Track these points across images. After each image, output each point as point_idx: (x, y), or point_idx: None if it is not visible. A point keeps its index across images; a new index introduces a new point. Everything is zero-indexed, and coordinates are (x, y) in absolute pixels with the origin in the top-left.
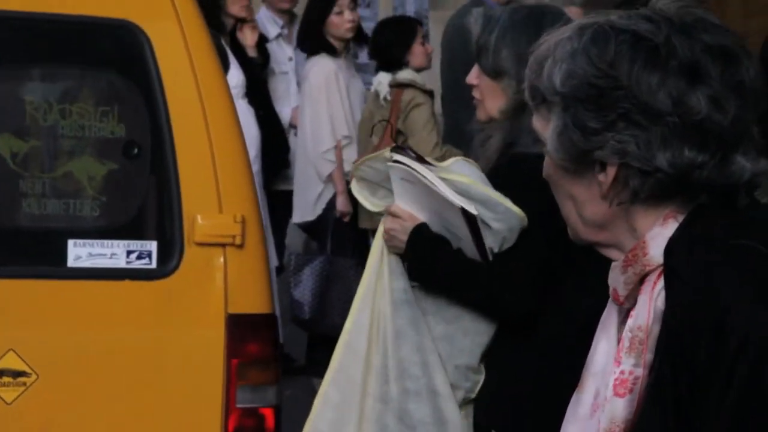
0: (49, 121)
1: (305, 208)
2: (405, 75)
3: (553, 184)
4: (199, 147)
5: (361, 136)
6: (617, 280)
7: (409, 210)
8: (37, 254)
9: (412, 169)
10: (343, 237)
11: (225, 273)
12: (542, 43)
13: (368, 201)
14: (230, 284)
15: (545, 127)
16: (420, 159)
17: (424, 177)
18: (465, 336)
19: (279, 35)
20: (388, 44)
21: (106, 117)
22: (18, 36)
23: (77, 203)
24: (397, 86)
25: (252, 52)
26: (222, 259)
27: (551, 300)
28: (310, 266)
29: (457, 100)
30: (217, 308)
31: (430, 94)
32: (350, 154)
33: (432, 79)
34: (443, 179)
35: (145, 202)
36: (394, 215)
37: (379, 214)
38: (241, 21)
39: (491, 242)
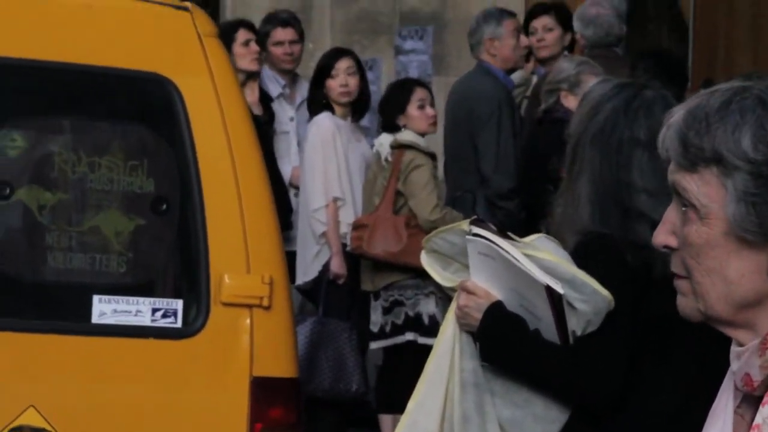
0: (77, 174)
1: (304, 268)
2: (405, 136)
3: (702, 254)
4: (229, 205)
5: (364, 197)
6: (751, 365)
7: (485, 287)
8: (61, 309)
9: (494, 243)
10: (338, 298)
11: (251, 334)
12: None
13: (440, 275)
14: (256, 346)
15: (709, 190)
16: (502, 233)
17: (507, 252)
18: (535, 422)
19: (281, 95)
20: (385, 105)
21: (135, 171)
22: (50, 87)
23: (103, 258)
24: (398, 147)
25: (256, 110)
26: (248, 321)
27: (630, 391)
28: (301, 327)
29: (460, 165)
30: (241, 370)
31: (431, 156)
32: (345, 216)
33: (438, 143)
34: (527, 255)
35: (172, 259)
36: (468, 291)
37: (451, 289)
38: (251, 76)
39: (574, 325)
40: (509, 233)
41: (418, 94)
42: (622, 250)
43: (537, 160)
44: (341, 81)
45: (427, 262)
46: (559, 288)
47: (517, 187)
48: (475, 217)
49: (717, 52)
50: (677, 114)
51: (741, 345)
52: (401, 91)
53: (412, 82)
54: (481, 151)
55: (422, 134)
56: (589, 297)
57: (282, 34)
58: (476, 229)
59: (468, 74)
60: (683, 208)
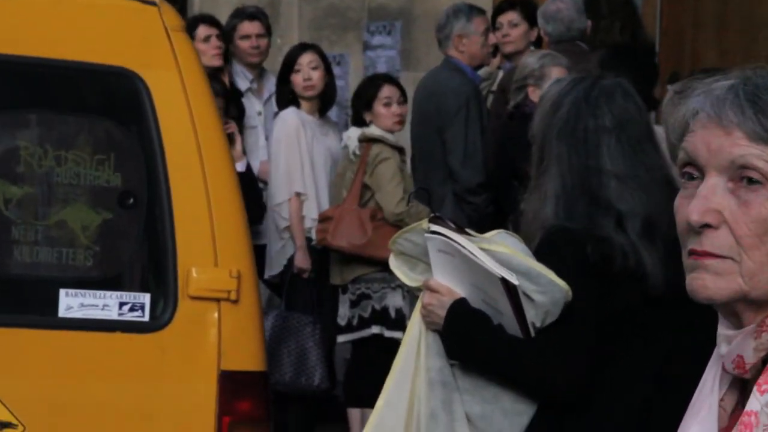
0: (44, 168)
1: (270, 262)
2: (373, 130)
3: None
4: (196, 199)
5: (335, 191)
6: (744, 347)
7: (448, 284)
8: (28, 303)
9: (450, 239)
10: (302, 292)
11: (219, 328)
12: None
13: (407, 276)
14: (224, 340)
15: None
16: (460, 229)
17: (463, 247)
18: (504, 417)
19: (249, 89)
20: (355, 100)
21: (102, 165)
22: (15, 81)
23: (70, 252)
24: (366, 141)
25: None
26: (216, 314)
27: (600, 383)
28: (264, 320)
29: (427, 160)
30: (209, 364)
31: (399, 150)
32: (309, 210)
33: (407, 138)
34: (483, 249)
35: (140, 253)
36: (431, 290)
37: (417, 289)
38: (215, 72)
39: (533, 316)
40: (467, 229)
41: (385, 91)
42: (584, 244)
43: (506, 155)
44: (304, 75)
45: (394, 264)
46: (513, 279)
47: (485, 183)
48: (433, 214)
49: (683, 47)
50: (724, 88)
51: (737, 328)
52: (369, 88)
53: (381, 79)
54: (449, 146)
55: (389, 131)
56: (545, 288)
57: (248, 27)
58: (434, 227)
59: (435, 69)
60: (744, 183)
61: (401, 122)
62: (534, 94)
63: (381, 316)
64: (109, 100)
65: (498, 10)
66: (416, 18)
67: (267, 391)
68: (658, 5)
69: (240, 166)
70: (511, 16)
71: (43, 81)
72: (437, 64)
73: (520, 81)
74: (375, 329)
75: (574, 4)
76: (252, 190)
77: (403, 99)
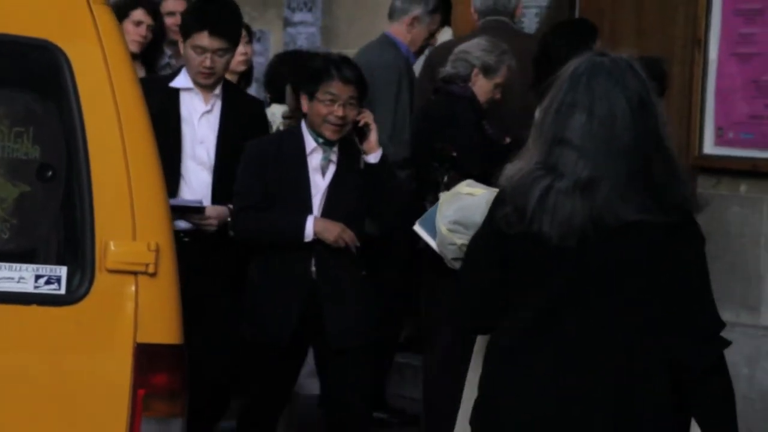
0: None
1: None
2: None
3: None
4: (115, 172)
5: None
6: None
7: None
8: None
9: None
10: None
11: (136, 302)
12: None
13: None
14: (140, 313)
15: None
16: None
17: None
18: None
19: (167, 64)
20: (282, 78)
21: (21, 138)
22: None
23: None
24: (290, 118)
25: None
26: (133, 288)
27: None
28: None
29: None
30: (125, 337)
31: None
32: None
33: None
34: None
35: (57, 226)
36: None
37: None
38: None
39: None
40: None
41: None
42: (500, 204)
43: (428, 132)
44: (241, 49)
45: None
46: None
47: (409, 159)
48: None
49: (602, 27)
50: None
51: None
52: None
53: (305, 55)
54: (378, 119)
55: None
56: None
57: (173, 5)
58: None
59: (371, 43)
60: None
61: None
62: (477, 79)
63: None
64: (29, 73)
65: None
66: None
67: (183, 364)
68: None
69: None
70: None
71: None
72: (359, 40)
73: (472, 58)
74: None
75: None
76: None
77: None
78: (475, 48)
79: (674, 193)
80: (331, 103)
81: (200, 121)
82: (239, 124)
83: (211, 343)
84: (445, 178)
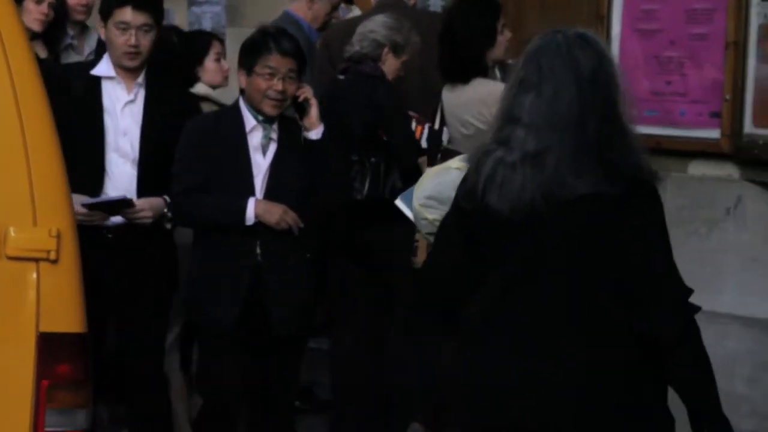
0: None
1: None
2: (199, 89)
3: None
4: (14, 156)
5: None
6: None
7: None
8: None
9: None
10: None
11: (38, 289)
12: None
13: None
14: (42, 301)
15: None
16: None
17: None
18: None
19: (69, 45)
20: (181, 58)
21: None
22: None
23: None
24: None
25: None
26: (35, 275)
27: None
28: None
29: None
30: (27, 326)
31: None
32: None
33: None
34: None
35: None
36: None
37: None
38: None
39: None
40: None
41: (216, 47)
42: (464, 181)
43: (338, 114)
44: (42, 9)
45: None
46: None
47: None
48: None
49: (507, 5)
50: None
51: None
52: (199, 45)
53: (204, 35)
54: None
55: (215, 87)
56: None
57: None
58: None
59: (273, 23)
60: None
61: (227, 77)
62: (388, 58)
63: None
64: None
65: None
66: None
67: (87, 353)
68: None
69: None
70: None
71: None
72: (263, 19)
73: (382, 37)
74: None
75: None
76: None
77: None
78: (381, 26)
79: (628, 163)
80: (270, 77)
81: (123, 112)
82: (164, 114)
83: (144, 339)
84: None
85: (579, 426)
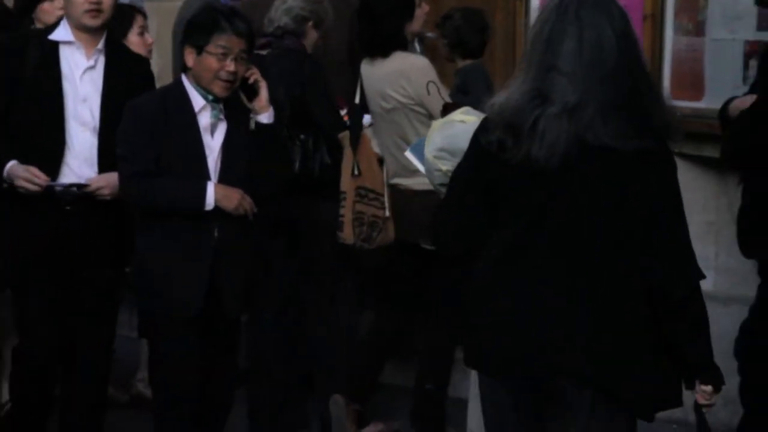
0: None
1: None
2: None
3: None
4: None
5: None
6: None
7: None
8: None
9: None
10: None
11: None
12: None
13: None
14: None
15: None
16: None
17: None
18: None
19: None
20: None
21: None
22: None
23: None
24: None
25: None
26: None
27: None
28: None
29: None
30: None
31: None
32: None
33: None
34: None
35: None
36: None
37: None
38: None
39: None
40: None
41: (139, 20)
42: (486, 131)
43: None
44: (57, 5)
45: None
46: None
47: None
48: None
49: None
50: None
51: None
52: (122, 19)
53: (127, 8)
54: None
55: None
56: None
57: None
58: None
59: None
60: None
61: (152, 51)
62: (311, 32)
63: None
64: None
65: None
66: None
67: None
68: None
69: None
70: None
71: None
72: None
73: (305, 11)
74: None
75: None
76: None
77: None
78: (303, 1)
79: (658, 117)
80: (223, 57)
81: (83, 78)
82: (125, 82)
83: (93, 321)
84: (310, 142)
85: (590, 362)
